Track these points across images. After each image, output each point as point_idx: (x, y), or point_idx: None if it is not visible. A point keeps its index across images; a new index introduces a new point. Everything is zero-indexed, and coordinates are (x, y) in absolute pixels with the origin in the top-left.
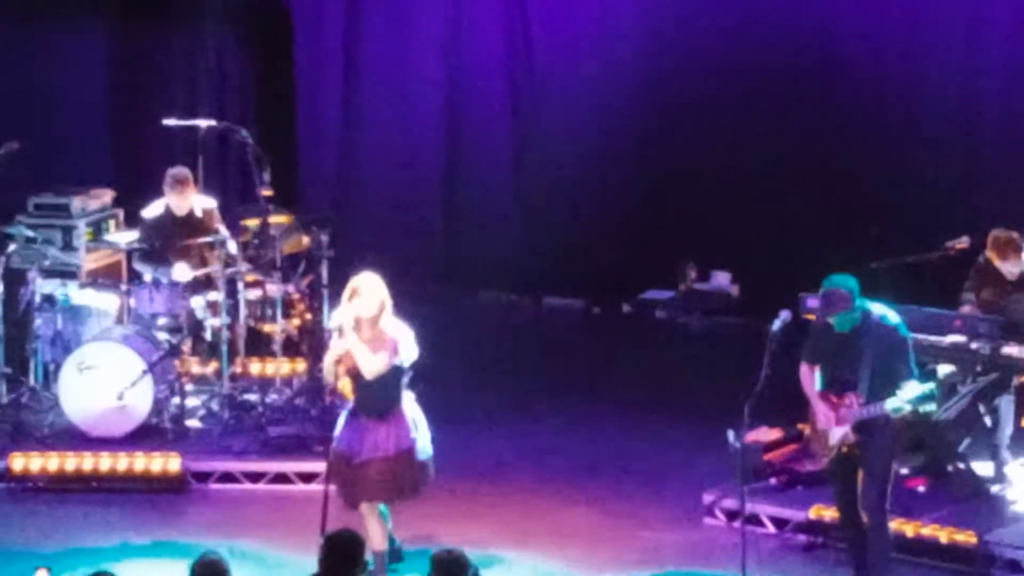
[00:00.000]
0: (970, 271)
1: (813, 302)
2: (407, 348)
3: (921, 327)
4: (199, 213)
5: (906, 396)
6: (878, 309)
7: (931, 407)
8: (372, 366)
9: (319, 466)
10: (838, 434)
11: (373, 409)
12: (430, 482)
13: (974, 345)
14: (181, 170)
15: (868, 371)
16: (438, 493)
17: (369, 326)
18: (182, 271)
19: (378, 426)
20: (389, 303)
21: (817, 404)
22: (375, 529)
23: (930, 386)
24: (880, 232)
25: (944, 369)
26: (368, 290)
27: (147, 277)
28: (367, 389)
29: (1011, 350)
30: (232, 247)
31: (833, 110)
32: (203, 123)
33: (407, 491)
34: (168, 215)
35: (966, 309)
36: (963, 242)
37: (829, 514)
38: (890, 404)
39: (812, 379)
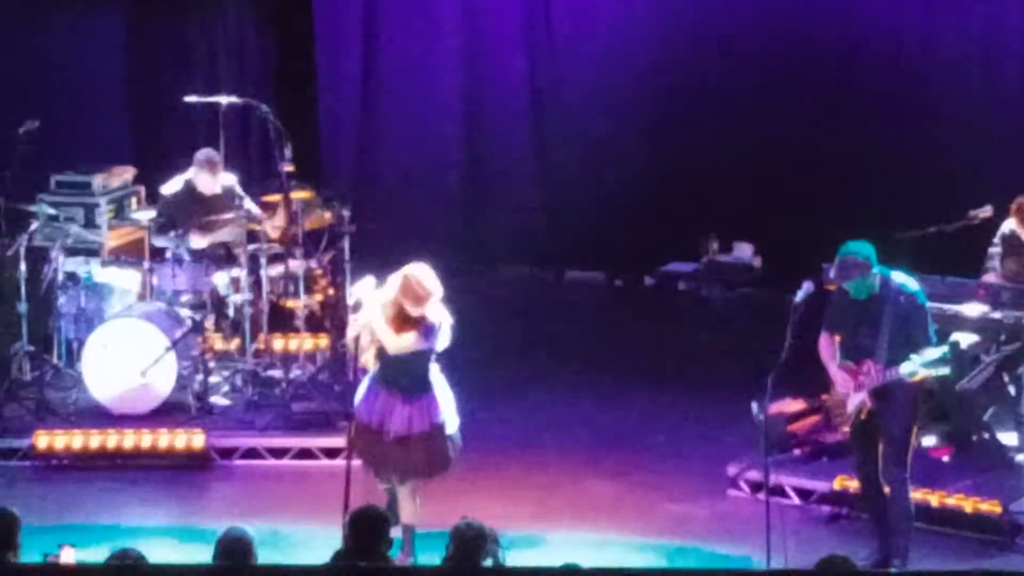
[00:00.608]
0: (994, 240)
1: None
2: (443, 335)
3: (944, 297)
4: (219, 190)
5: (920, 360)
6: (898, 277)
7: (945, 370)
8: (395, 343)
9: (343, 441)
10: (855, 400)
11: (402, 387)
12: (459, 457)
13: (997, 314)
14: (213, 152)
15: (886, 338)
16: (461, 468)
17: (401, 308)
18: (198, 240)
19: (409, 403)
20: (439, 292)
21: (835, 372)
22: (406, 503)
23: (943, 349)
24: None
25: (967, 339)
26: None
27: (169, 253)
28: (394, 364)
29: None
30: (255, 210)
31: (853, 80)
32: (224, 100)
33: (442, 467)
34: (188, 191)
35: (989, 278)
36: (987, 211)
37: (853, 485)
38: (904, 368)
39: (832, 348)
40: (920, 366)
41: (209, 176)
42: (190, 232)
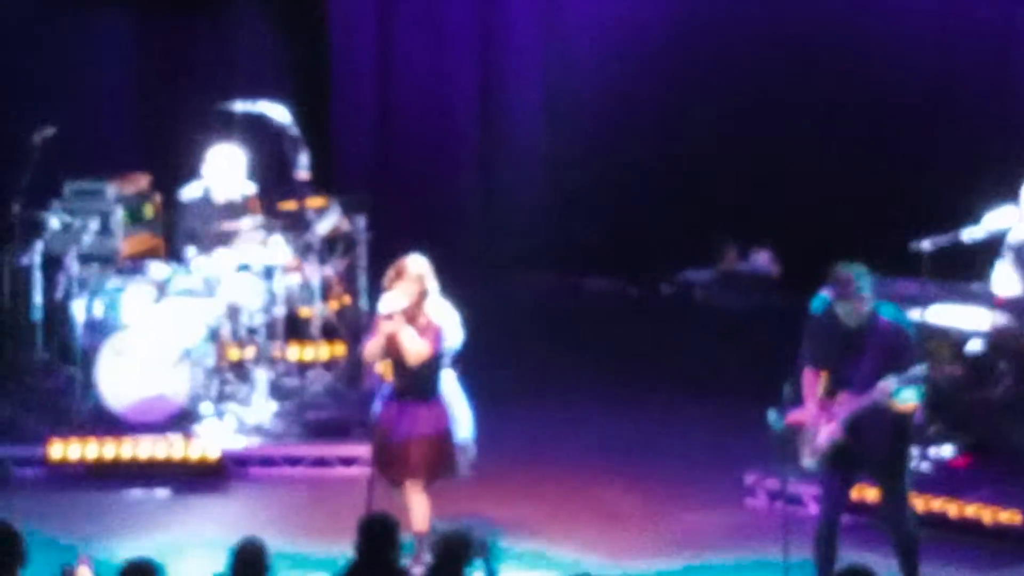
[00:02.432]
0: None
1: None
2: (452, 334)
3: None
4: (239, 198)
5: (897, 377)
6: (888, 309)
7: (921, 388)
8: (416, 353)
9: (358, 449)
10: (826, 432)
11: (413, 393)
12: (472, 463)
13: (1016, 324)
14: (229, 146)
15: (868, 368)
16: (476, 474)
17: (413, 310)
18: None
19: (418, 407)
20: (434, 286)
21: (810, 406)
22: (417, 510)
23: (923, 367)
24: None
25: (975, 345)
26: (411, 272)
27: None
28: (407, 373)
29: None
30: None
31: (872, 88)
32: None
33: (445, 471)
34: (204, 199)
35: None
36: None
37: (871, 494)
38: (881, 385)
39: (815, 385)
40: (896, 382)
41: (226, 172)
42: (211, 247)
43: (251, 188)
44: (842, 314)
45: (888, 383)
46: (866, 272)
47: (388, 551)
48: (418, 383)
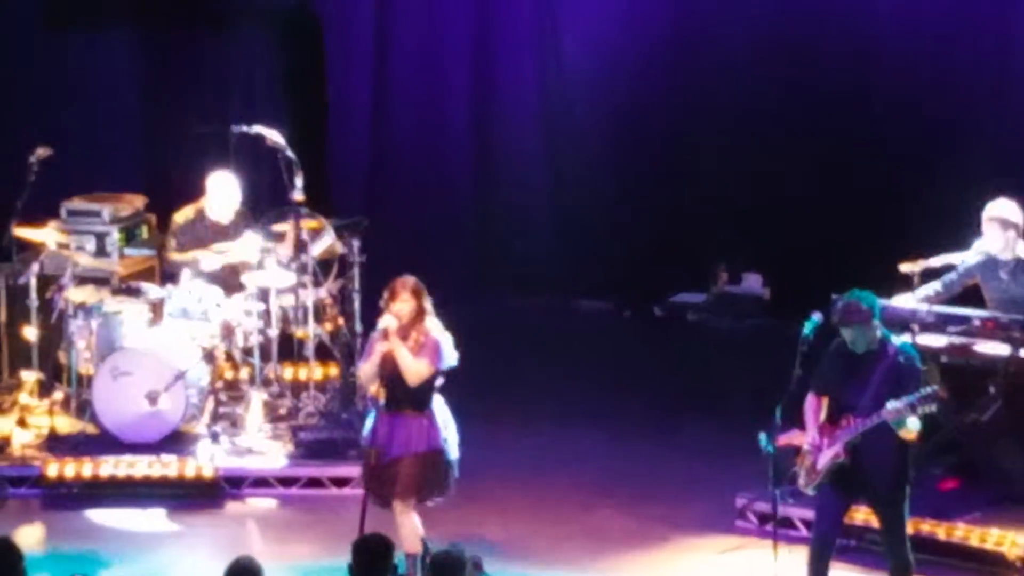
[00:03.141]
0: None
1: None
2: (448, 353)
3: (951, 328)
4: (229, 219)
5: (906, 399)
6: (897, 339)
7: (932, 408)
8: (416, 372)
9: (352, 470)
10: (829, 454)
11: (406, 404)
12: (456, 484)
13: (1005, 347)
14: (228, 175)
15: (872, 394)
16: (468, 495)
17: (407, 330)
18: (209, 261)
19: (409, 424)
20: (429, 306)
21: (811, 433)
22: (408, 530)
23: (933, 388)
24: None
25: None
26: (405, 292)
27: (180, 281)
28: (400, 391)
29: None
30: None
31: (865, 112)
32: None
33: (436, 490)
34: (200, 219)
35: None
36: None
37: (861, 516)
38: (890, 404)
39: (817, 411)
40: (905, 404)
41: (222, 199)
42: (207, 271)
43: (245, 212)
44: (849, 340)
45: (895, 405)
46: (875, 298)
47: (382, 572)
48: (409, 399)
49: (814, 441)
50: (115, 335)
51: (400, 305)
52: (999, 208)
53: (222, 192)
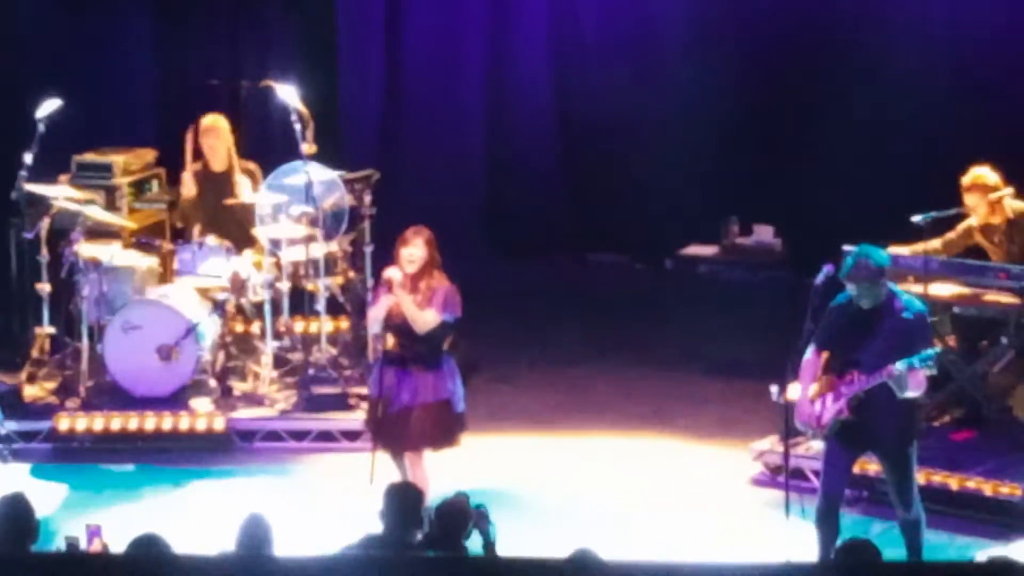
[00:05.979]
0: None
1: None
2: (454, 304)
3: (964, 279)
4: (226, 161)
5: (909, 360)
6: (905, 294)
7: (932, 371)
8: (422, 321)
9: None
10: (832, 410)
11: (418, 361)
12: (463, 435)
13: (1017, 298)
14: (213, 116)
15: (878, 350)
16: (479, 448)
17: (417, 280)
18: (214, 239)
19: (418, 376)
20: (437, 257)
21: (805, 381)
22: (419, 481)
23: (936, 349)
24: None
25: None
26: (416, 241)
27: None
28: (411, 342)
29: None
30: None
31: (875, 64)
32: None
33: (446, 441)
34: (203, 187)
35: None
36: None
37: (873, 467)
38: (897, 367)
39: (815, 368)
40: (907, 365)
41: (212, 141)
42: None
43: (253, 165)
44: (856, 295)
45: (897, 366)
46: (884, 255)
47: (416, 515)
48: (423, 351)
49: (803, 397)
50: (126, 289)
51: (411, 250)
52: (975, 175)
53: (210, 134)
